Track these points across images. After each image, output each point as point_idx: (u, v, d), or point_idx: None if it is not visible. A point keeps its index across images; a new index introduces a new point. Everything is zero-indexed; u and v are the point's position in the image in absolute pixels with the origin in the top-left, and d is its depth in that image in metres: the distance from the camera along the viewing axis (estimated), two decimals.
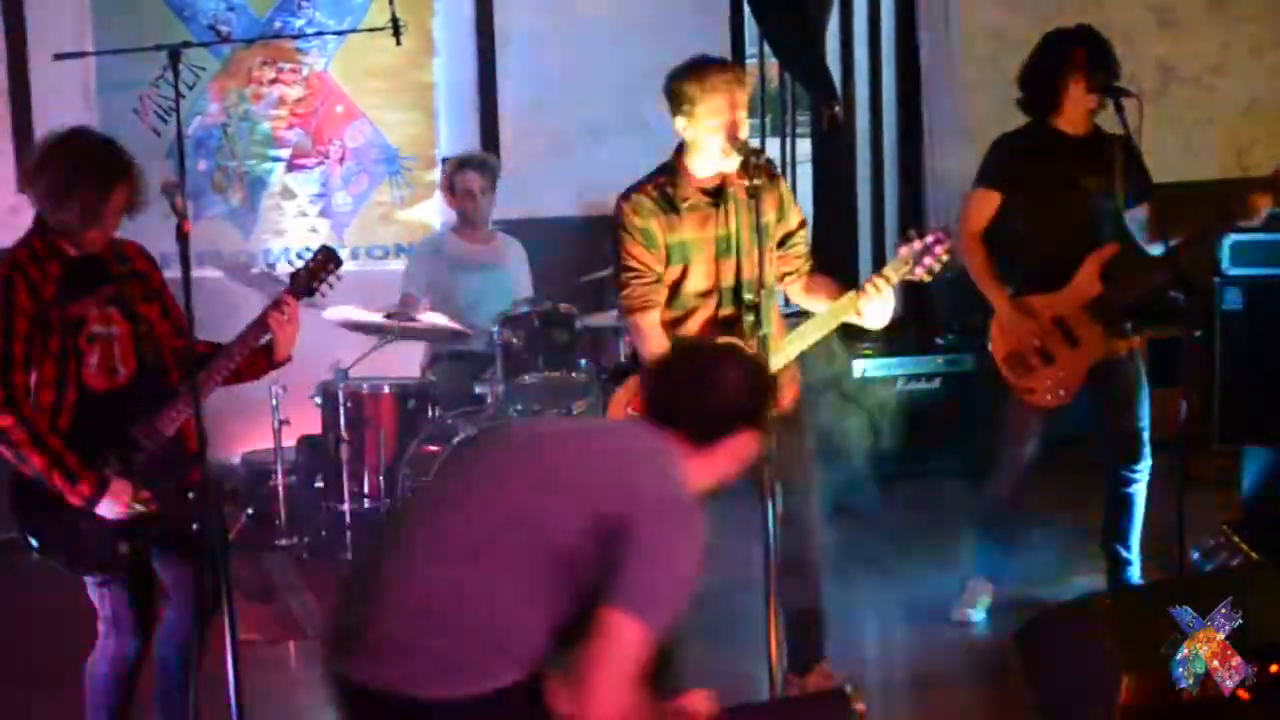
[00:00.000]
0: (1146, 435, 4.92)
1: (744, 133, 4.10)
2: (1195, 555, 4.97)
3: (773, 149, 7.70)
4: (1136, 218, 4.85)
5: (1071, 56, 4.74)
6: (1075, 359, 4.80)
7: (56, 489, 3.57)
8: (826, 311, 4.18)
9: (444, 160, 6.95)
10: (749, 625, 4.25)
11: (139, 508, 3.65)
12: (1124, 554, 4.97)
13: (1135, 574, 4.98)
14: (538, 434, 3.03)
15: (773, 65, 7.90)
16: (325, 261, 3.93)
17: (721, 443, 2.90)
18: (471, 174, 6.24)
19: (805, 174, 7.82)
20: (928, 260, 4.09)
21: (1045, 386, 4.83)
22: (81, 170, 3.59)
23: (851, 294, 4.11)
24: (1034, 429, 4.91)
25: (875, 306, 4.09)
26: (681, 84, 4.11)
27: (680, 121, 4.14)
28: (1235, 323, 6.96)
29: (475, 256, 6.20)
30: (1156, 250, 4.82)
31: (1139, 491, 4.94)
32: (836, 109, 7.26)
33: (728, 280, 4.19)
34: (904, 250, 4.11)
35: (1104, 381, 4.86)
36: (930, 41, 7.61)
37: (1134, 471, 4.92)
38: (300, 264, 3.97)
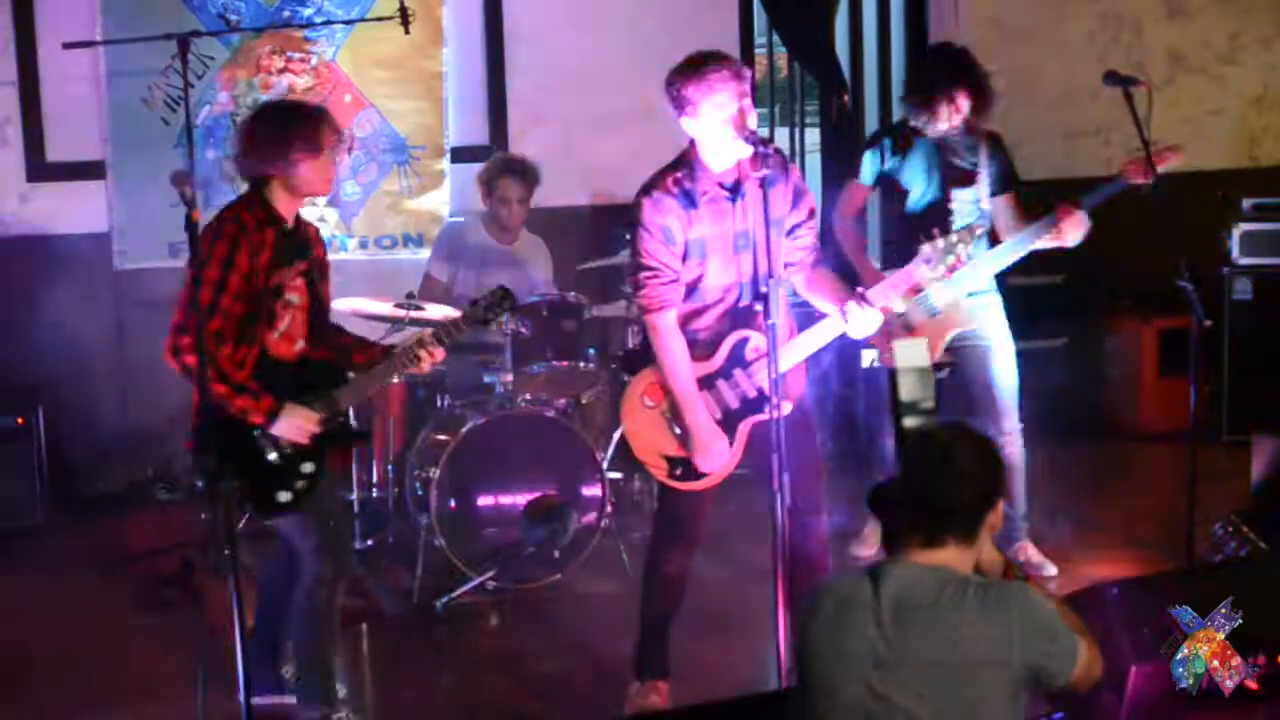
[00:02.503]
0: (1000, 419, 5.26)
1: (752, 121, 4.06)
2: (1204, 545, 4.96)
3: (781, 138, 7.69)
4: (1001, 207, 5.25)
5: (953, 80, 5.13)
6: (934, 326, 5.20)
7: (240, 409, 3.93)
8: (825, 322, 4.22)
9: (451, 149, 6.95)
10: (758, 617, 4.26)
11: (305, 437, 4.01)
12: None
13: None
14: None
15: (781, 55, 7.90)
16: (501, 299, 4.43)
17: (984, 525, 2.90)
18: (512, 181, 6.07)
19: (814, 163, 7.82)
20: (950, 259, 4.07)
21: None
22: (325, 125, 4.14)
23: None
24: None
25: (863, 319, 4.13)
26: (680, 86, 4.05)
27: (686, 121, 4.09)
28: (1244, 312, 6.97)
29: (498, 255, 6.14)
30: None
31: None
32: (845, 98, 7.26)
33: (746, 273, 4.18)
34: (927, 249, 4.08)
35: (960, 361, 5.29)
36: (940, 30, 7.61)
37: None
38: (479, 297, 4.46)
